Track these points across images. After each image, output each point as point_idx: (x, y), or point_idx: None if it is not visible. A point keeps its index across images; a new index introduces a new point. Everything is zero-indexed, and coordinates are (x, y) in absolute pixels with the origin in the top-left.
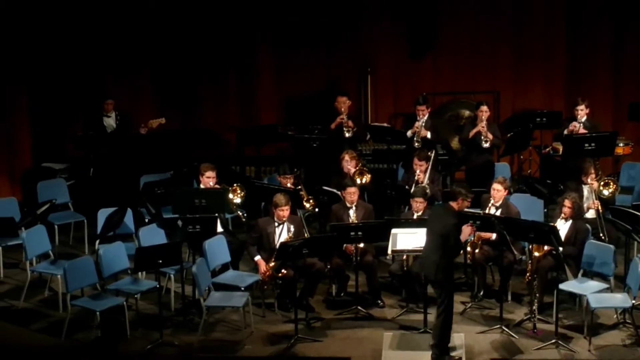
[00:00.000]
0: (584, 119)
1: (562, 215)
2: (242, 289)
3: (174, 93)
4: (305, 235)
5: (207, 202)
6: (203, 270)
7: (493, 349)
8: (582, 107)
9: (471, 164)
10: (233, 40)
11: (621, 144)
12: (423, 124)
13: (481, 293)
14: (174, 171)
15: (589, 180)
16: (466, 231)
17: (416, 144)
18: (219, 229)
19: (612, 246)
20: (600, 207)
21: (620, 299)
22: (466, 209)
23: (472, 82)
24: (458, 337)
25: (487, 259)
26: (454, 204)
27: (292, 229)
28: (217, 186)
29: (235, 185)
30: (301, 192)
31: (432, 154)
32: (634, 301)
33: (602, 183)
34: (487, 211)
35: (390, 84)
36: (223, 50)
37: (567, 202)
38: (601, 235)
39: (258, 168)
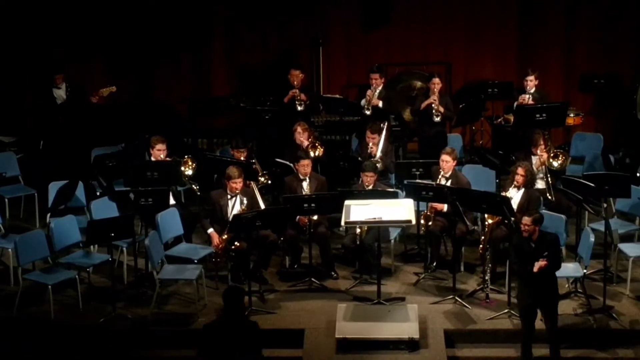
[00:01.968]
0: (532, 90)
1: (515, 183)
2: (195, 261)
3: (126, 65)
4: (261, 205)
5: (159, 174)
6: (156, 243)
7: (446, 319)
8: (532, 77)
9: (424, 135)
10: (186, 12)
11: (572, 115)
12: (377, 94)
13: (434, 264)
14: (125, 144)
15: (538, 151)
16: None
17: (367, 112)
18: (172, 201)
19: (563, 216)
20: (550, 178)
21: (572, 269)
22: (421, 181)
23: (424, 53)
24: (411, 308)
25: (440, 229)
26: None
27: (245, 201)
28: (167, 159)
29: (186, 157)
30: (255, 167)
31: (385, 126)
32: (585, 270)
33: (551, 154)
34: (437, 182)
35: (343, 55)
36: (175, 22)
37: (520, 170)
38: (548, 195)
39: (210, 140)
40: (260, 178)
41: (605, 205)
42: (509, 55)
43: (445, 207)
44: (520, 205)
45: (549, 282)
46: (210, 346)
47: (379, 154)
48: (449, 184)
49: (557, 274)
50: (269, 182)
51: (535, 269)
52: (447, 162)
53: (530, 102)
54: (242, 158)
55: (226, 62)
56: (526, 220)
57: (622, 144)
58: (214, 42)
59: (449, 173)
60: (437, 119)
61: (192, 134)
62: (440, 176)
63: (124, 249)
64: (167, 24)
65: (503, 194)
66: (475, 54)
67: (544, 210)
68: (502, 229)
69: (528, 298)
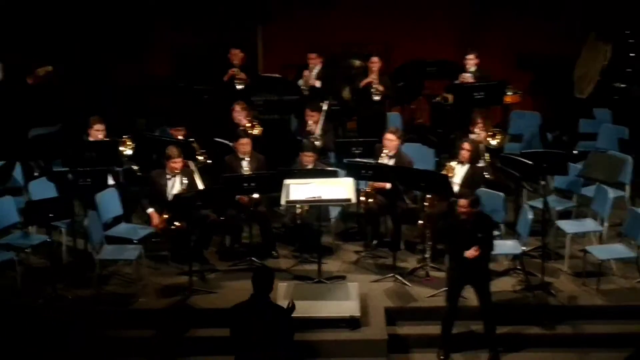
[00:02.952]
0: (473, 69)
1: (461, 158)
2: (135, 241)
3: (65, 45)
4: (199, 186)
5: (98, 154)
6: (95, 223)
7: (387, 297)
8: (472, 57)
9: (363, 114)
10: None
11: (510, 93)
12: (315, 74)
13: (375, 242)
14: (63, 124)
15: (476, 129)
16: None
17: (305, 93)
18: (110, 181)
19: (502, 194)
20: (488, 156)
21: (511, 246)
22: (361, 160)
23: (364, 32)
24: (352, 287)
25: (380, 208)
26: None
27: (185, 181)
28: (106, 139)
29: (125, 137)
30: (193, 144)
31: (325, 105)
32: (524, 248)
33: (489, 133)
34: (380, 161)
35: (282, 34)
36: (116, 3)
37: (466, 145)
38: (486, 174)
39: (149, 120)
40: (198, 157)
41: (543, 182)
42: (448, 34)
43: (387, 185)
44: (464, 180)
45: (481, 260)
46: (239, 327)
47: (318, 132)
48: (392, 162)
49: (497, 251)
50: (208, 161)
51: (468, 256)
52: (391, 141)
53: (471, 81)
54: (180, 137)
55: (167, 42)
56: (463, 202)
57: (559, 122)
58: (155, 22)
59: (393, 152)
60: (377, 98)
61: (132, 114)
62: (383, 154)
63: (63, 229)
64: (108, 4)
65: (448, 164)
66: (415, 33)
67: (482, 189)
68: (442, 207)
69: (458, 276)
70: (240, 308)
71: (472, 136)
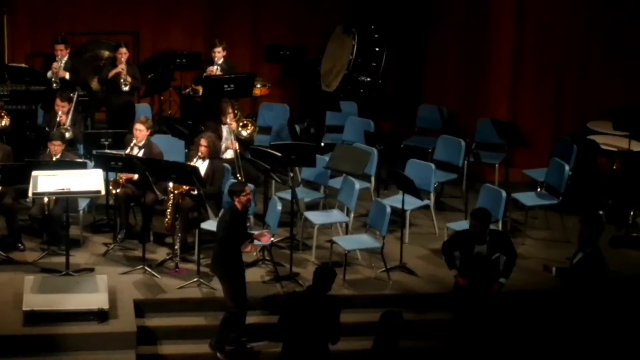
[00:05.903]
0: (221, 61)
1: (199, 154)
2: None
3: None
4: None
5: None
6: None
7: (136, 289)
8: (220, 49)
9: (112, 105)
10: None
11: (259, 85)
12: (62, 65)
13: (123, 231)
14: None
15: (227, 120)
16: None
17: (54, 85)
18: None
19: (252, 185)
20: (238, 147)
21: None
22: (110, 151)
23: (112, 22)
24: (100, 279)
25: (129, 198)
26: (235, 203)
27: None
28: None
29: None
30: None
31: (75, 95)
32: (272, 239)
33: (240, 124)
34: (129, 151)
35: (28, 23)
36: None
37: (203, 141)
38: (238, 175)
39: None
40: None
41: (291, 174)
42: (197, 26)
43: (135, 175)
44: (206, 176)
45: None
46: (290, 314)
47: (68, 123)
48: (141, 153)
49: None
50: None
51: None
52: (140, 131)
53: (218, 73)
54: None
55: None
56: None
57: (307, 114)
58: None
59: (142, 142)
60: (126, 89)
61: None
62: (132, 144)
63: None
64: None
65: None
66: (164, 25)
67: (232, 180)
68: (190, 199)
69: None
70: (295, 297)
71: (224, 127)
